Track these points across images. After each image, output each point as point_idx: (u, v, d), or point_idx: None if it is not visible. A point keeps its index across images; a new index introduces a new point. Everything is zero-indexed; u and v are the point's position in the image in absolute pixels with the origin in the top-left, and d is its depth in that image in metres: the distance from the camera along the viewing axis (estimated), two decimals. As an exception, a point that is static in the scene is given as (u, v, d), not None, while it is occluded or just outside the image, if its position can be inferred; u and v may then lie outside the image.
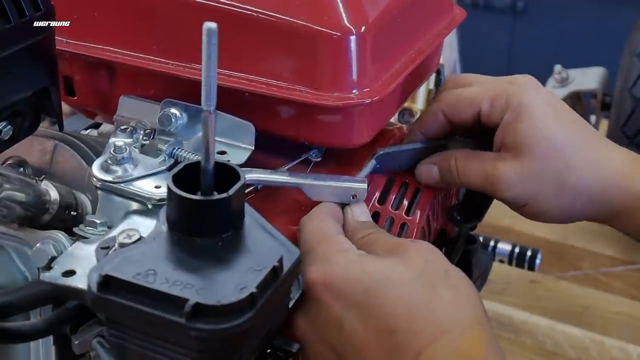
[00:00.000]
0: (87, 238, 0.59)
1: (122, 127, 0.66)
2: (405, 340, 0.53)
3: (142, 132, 0.67)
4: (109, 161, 0.61)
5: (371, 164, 0.70)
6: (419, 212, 0.72)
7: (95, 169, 0.62)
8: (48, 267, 0.58)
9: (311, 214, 0.64)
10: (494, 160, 0.69)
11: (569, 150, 0.66)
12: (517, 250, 1.48)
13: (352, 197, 0.65)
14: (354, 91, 0.64)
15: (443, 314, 0.54)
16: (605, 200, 0.68)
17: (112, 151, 0.61)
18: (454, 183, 0.71)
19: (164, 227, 0.52)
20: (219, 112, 0.63)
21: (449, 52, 1.59)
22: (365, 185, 0.66)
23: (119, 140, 0.62)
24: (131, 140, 0.64)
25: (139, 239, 0.53)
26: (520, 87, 0.68)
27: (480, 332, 0.54)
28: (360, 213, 0.65)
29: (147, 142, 0.66)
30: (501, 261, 1.50)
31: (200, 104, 0.48)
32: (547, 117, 0.66)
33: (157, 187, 0.60)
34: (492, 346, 0.54)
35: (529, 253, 1.48)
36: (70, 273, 0.54)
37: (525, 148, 0.66)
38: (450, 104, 0.71)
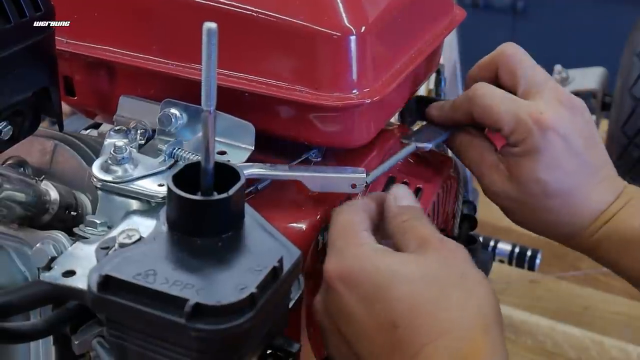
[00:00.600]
0: (87, 238, 0.59)
1: (117, 128, 0.66)
2: (406, 335, 0.55)
3: (138, 132, 0.67)
4: (109, 161, 0.61)
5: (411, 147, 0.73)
6: (419, 212, 0.72)
7: (96, 169, 0.61)
8: (48, 267, 0.58)
9: (341, 207, 0.64)
10: (492, 167, 0.73)
11: (555, 195, 0.71)
12: (517, 250, 1.48)
13: (352, 187, 0.66)
14: (354, 91, 0.64)
15: (448, 315, 0.55)
16: (570, 239, 0.75)
17: (112, 151, 0.61)
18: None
19: (164, 227, 0.52)
20: (219, 112, 0.63)
21: (449, 52, 1.59)
22: (364, 175, 0.66)
23: (119, 141, 0.62)
24: (127, 140, 0.64)
25: (139, 239, 0.53)
26: (542, 130, 0.69)
27: (484, 338, 0.54)
28: (402, 197, 0.65)
29: (143, 141, 0.66)
30: (501, 261, 1.50)
31: (200, 104, 0.48)
32: (551, 164, 0.70)
33: (160, 185, 0.60)
34: (495, 354, 0.54)
35: (529, 253, 1.48)
36: (70, 273, 0.54)
37: (519, 182, 0.71)
38: (480, 114, 0.72)
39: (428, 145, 0.74)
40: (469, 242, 0.82)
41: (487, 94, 0.72)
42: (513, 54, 0.75)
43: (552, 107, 0.71)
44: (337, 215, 0.63)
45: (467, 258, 0.60)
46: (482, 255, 0.84)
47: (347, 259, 0.59)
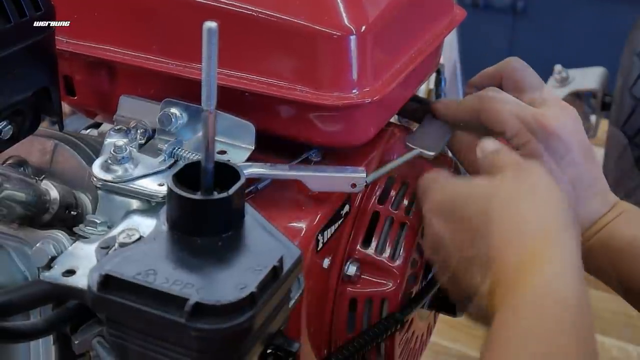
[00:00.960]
0: (87, 238, 0.59)
1: (117, 128, 0.66)
2: (479, 253, 0.59)
3: (138, 132, 0.67)
4: (109, 161, 0.61)
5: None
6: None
7: (96, 168, 0.62)
8: (48, 266, 0.58)
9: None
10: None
11: None
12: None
13: (352, 187, 0.66)
14: (354, 91, 0.64)
15: (512, 226, 0.59)
16: None
17: (112, 151, 0.61)
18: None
19: (164, 227, 0.52)
20: (219, 111, 0.63)
21: (449, 52, 1.59)
22: (364, 175, 0.66)
23: (119, 140, 0.62)
24: (127, 140, 0.64)
25: (139, 239, 0.53)
26: (546, 135, 0.71)
27: (545, 245, 0.57)
28: (487, 145, 0.69)
29: (144, 141, 0.66)
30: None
31: (200, 104, 0.48)
32: (551, 170, 0.70)
33: (160, 184, 0.60)
34: (558, 259, 0.57)
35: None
36: (70, 272, 0.54)
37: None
38: (487, 115, 0.73)
39: (431, 154, 0.74)
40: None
41: (498, 97, 0.73)
42: (520, 67, 0.76)
43: (557, 116, 0.72)
44: (421, 180, 0.69)
45: (540, 173, 0.63)
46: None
47: (432, 194, 0.66)
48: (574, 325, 0.54)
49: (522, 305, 0.54)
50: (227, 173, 0.52)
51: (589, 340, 0.54)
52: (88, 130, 0.78)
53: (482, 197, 0.62)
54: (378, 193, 0.72)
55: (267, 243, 0.52)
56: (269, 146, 0.68)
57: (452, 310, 0.82)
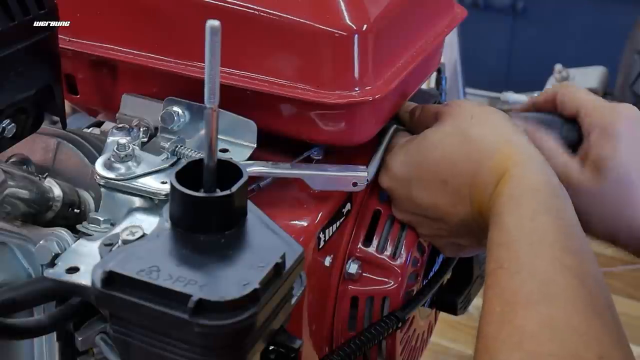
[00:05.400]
0: (90, 235, 0.59)
1: (119, 126, 0.67)
2: (456, 184, 0.65)
3: (140, 130, 0.67)
4: (112, 159, 0.62)
5: None
6: (420, 210, 0.72)
7: (99, 166, 0.62)
8: (52, 264, 0.58)
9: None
10: (575, 169, 0.71)
11: (635, 184, 0.69)
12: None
13: (353, 185, 0.66)
14: (355, 89, 0.65)
15: (475, 150, 0.65)
16: None
17: (115, 149, 0.62)
18: None
19: (167, 224, 0.52)
20: (221, 109, 0.63)
21: (450, 51, 1.60)
22: (365, 173, 0.67)
23: (122, 139, 0.63)
24: (130, 138, 0.65)
25: (142, 236, 0.53)
26: (620, 114, 0.73)
27: (510, 147, 0.63)
28: (408, 105, 0.75)
29: (146, 139, 0.67)
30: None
31: (202, 102, 0.49)
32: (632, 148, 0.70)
33: (163, 182, 0.60)
34: (524, 153, 0.63)
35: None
36: (73, 270, 0.54)
37: (603, 169, 0.69)
38: (564, 97, 0.75)
39: None
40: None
41: (576, 86, 0.76)
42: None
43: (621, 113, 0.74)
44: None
45: (472, 104, 0.70)
46: (482, 253, 0.85)
47: (393, 159, 0.71)
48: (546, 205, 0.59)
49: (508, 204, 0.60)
50: (229, 171, 0.52)
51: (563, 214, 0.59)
52: (90, 129, 0.78)
53: (435, 146, 0.67)
54: (379, 191, 0.73)
55: (269, 240, 0.52)
56: (270, 144, 0.68)
57: (452, 309, 0.83)
